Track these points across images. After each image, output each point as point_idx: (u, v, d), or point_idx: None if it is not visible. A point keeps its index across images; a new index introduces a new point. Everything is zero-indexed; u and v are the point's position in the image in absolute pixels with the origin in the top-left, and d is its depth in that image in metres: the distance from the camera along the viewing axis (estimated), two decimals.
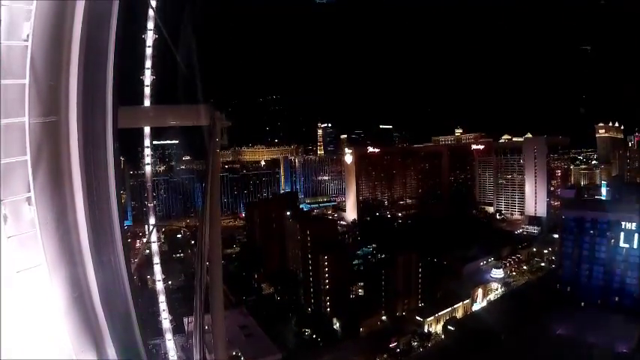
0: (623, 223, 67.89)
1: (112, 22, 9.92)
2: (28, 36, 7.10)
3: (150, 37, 43.23)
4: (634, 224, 66.94)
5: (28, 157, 6.91)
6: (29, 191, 6.96)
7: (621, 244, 68.42)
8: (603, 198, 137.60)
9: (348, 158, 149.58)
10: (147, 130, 37.65)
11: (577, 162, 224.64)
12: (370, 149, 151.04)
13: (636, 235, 67.00)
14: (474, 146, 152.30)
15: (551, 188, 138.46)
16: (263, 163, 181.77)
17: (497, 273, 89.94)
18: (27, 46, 7.03)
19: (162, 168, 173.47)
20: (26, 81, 6.96)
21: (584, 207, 74.35)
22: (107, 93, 9.60)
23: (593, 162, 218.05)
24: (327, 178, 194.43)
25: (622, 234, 68.26)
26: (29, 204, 7.03)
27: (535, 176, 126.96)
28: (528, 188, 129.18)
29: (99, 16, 9.04)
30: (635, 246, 67.20)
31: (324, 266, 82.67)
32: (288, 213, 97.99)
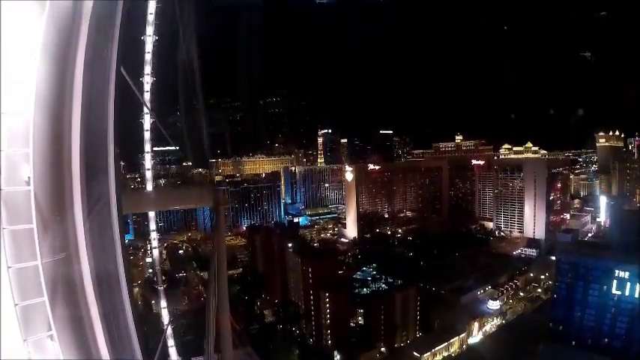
0: (616, 271, 69.91)
1: (109, 145, 10.10)
2: (29, 179, 7.30)
3: (147, 121, 43.96)
4: (627, 273, 69.01)
5: (45, 298, 7.14)
6: (51, 329, 7.28)
7: (613, 290, 70.64)
8: (601, 217, 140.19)
9: (349, 175, 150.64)
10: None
11: (577, 166, 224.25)
12: (371, 166, 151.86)
13: (628, 284, 69.20)
14: (474, 161, 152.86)
15: (551, 197, 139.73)
16: (264, 175, 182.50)
17: (494, 304, 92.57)
18: (29, 190, 7.21)
19: (163, 182, 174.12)
20: (34, 225, 7.14)
21: (579, 252, 76.31)
22: (114, 230, 9.80)
23: (593, 167, 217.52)
24: (327, 186, 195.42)
25: (615, 281, 70.38)
26: (52, 340, 7.37)
27: (534, 198, 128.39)
28: (528, 210, 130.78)
29: (96, 143, 9.31)
30: (627, 293, 69.51)
31: (325, 302, 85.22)
32: (290, 245, 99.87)
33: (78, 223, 8.38)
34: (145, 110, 41.23)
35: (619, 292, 70.13)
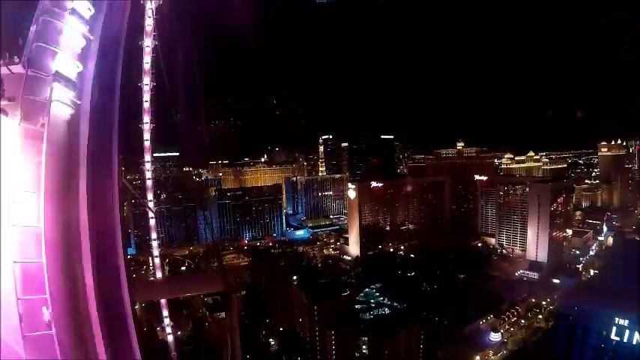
0: (616, 319, 71.71)
1: (122, 290, 11.42)
2: (50, 322, 8.10)
3: (150, 209, 44.12)
4: (626, 321, 70.90)
5: None
6: None
7: (612, 336, 72.58)
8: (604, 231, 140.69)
9: (351, 193, 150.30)
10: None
11: (577, 170, 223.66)
12: (373, 183, 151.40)
13: (627, 331, 71.24)
14: (476, 177, 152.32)
15: (553, 207, 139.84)
16: (265, 188, 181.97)
17: (495, 336, 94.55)
18: (52, 333, 7.99)
19: (164, 196, 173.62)
20: None
21: (581, 298, 78.11)
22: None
23: (594, 171, 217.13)
24: (329, 194, 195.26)
25: (614, 328, 72.30)
26: None
27: (538, 222, 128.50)
28: (530, 232, 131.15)
29: (110, 289, 10.39)
30: (625, 340, 71.54)
31: (331, 341, 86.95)
32: (295, 277, 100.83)
33: (100, 353, 9.14)
34: (148, 200, 41.76)
35: (617, 338, 72.23)
